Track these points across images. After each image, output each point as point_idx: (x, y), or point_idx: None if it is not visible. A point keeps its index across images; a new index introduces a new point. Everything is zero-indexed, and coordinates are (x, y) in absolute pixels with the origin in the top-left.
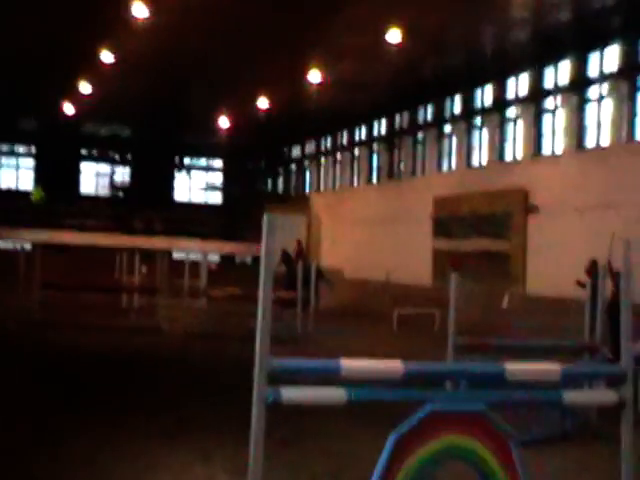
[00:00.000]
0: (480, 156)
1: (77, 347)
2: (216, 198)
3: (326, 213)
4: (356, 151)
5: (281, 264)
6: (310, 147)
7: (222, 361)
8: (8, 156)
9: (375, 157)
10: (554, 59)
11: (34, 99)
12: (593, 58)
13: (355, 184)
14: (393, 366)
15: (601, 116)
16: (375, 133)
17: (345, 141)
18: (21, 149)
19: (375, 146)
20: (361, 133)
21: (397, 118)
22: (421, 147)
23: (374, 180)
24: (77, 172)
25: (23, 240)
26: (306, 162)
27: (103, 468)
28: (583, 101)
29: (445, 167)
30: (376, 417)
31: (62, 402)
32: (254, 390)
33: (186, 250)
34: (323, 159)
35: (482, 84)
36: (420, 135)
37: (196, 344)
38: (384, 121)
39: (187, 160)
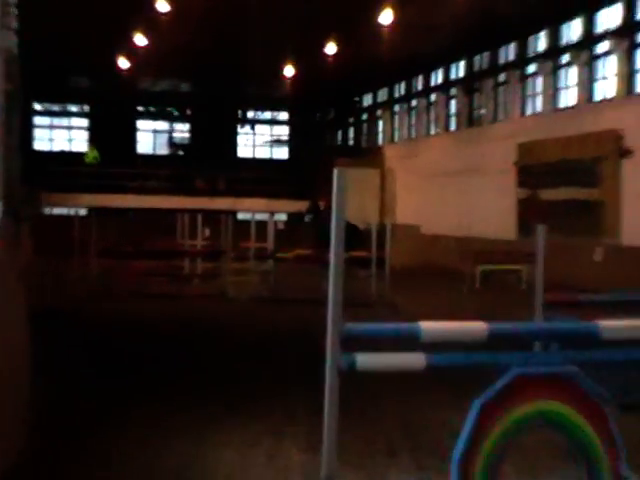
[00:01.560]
0: (568, 97)
1: (139, 316)
2: (282, 153)
3: (401, 166)
4: (432, 97)
5: (309, 214)
6: (383, 95)
7: (291, 327)
8: (60, 116)
9: (453, 103)
10: None
11: (86, 54)
12: None
13: (432, 133)
14: (476, 327)
15: None
16: (452, 77)
17: (420, 87)
18: (74, 108)
19: (453, 91)
20: (437, 77)
21: (476, 59)
22: (503, 90)
23: (452, 128)
24: (134, 130)
25: (78, 205)
26: (378, 111)
27: (163, 446)
28: None
29: (529, 111)
30: (458, 383)
31: (124, 372)
32: (327, 357)
33: (251, 210)
34: (397, 107)
35: (569, 18)
36: (502, 77)
37: (264, 310)
38: (462, 63)
39: (250, 113)
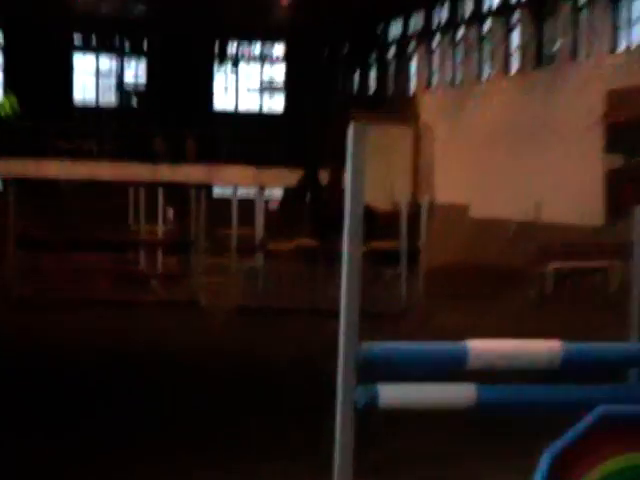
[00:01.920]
0: None
1: (70, 336)
2: (276, 104)
3: (442, 122)
4: (486, 25)
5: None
6: (417, 22)
7: (288, 350)
8: None
9: (516, 33)
10: None
11: None
12: None
13: (485, 76)
14: (545, 349)
15: None
16: None
17: (469, 11)
18: None
19: (515, 16)
20: None
21: None
22: (586, 15)
23: (513, 69)
24: (68, 70)
25: None
26: (411, 45)
27: None
28: None
29: (623, 45)
30: (517, 427)
31: (55, 427)
32: (338, 390)
33: (233, 183)
34: (437, 39)
35: None
36: None
37: (249, 325)
38: None
39: (231, 47)
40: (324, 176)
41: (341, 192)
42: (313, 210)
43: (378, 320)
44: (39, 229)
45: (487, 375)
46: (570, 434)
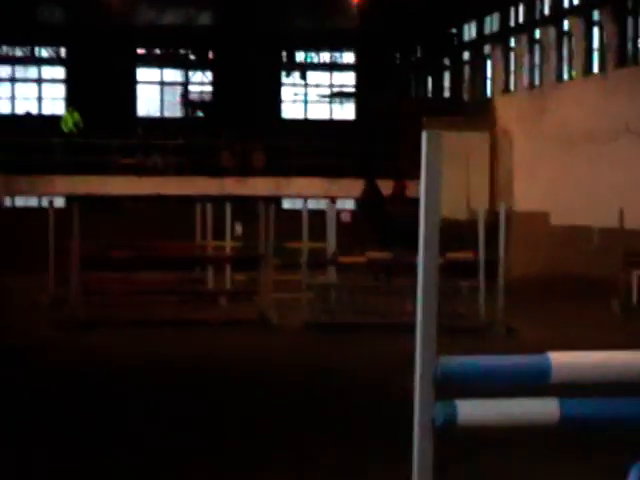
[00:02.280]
0: None
1: (142, 358)
2: (347, 112)
3: (520, 126)
4: (565, 24)
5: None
6: (493, 23)
7: (362, 367)
8: (26, 65)
9: (596, 32)
10: None
11: None
12: None
13: (565, 77)
14: (634, 361)
15: None
16: None
17: (548, 9)
18: (44, 53)
19: (595, 14)
20: None
21: None
22: None
23: (595, 69)
24: (132, 84)
25: (52, 193)
26: (487, 47)
27: None
28: None
29: None
30: (599, 441)
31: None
32: (415, 407)
33: (303, 196)
34: (513, 41)
35: None
36: None
37: (323, 343)
38: None
39: (300, 55)
40: (388, 186)
41: (405, 202)
42: (376, 221)
43: (456, 334)
44: (104, 248)
45: (568, 389)
46: None
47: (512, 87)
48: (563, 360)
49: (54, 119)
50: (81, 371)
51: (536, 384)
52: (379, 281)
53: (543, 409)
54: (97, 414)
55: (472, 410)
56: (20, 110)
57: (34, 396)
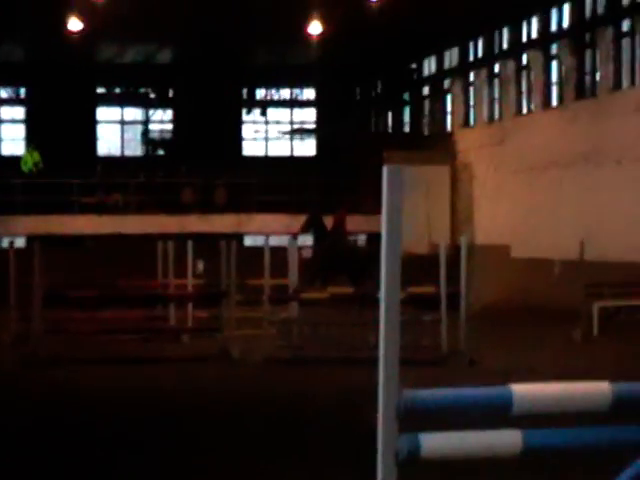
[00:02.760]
0: None
1: (107, 394)
2: (308, 148)
3: (480, 159)
4: (524, 58)
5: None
6: (452, 58)
7: (325, 401)
8: None
9: (554, 65)
10: None
11: (22, 12)
12: None
13: (525, 111)
14: (595, 391)
15: None
16: (553, 27)
17: (507, 43)
18: (3, 93)
19: (554, 48)
20: (531, 29)
21: (587, 0)
22: (628, 43)
23: (554, 102)
24: (92, 123)
25: (12, 233)
26: (447, 81)
27: None
28: None
29: None
30: (561, 472)
31: None
32: (378, 440)
33: (264, 232)
34: (472, 75)
35: None
36: (626, 24)
37: (285, 376)
38: (566, 7)
39: (260, 92)
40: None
41: (345, 235)
42: (320, 256)
43: (419, 367)
44: (65, 286)
45: (531, 419)
46: (623, 478)
47: (472, 120)
48: (525, 391)
49: (14, 159)
50: (45, 407)
51: (499, 415)
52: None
53: (506, 440)
54: (63, 448)
55: (435, 442)
56: None
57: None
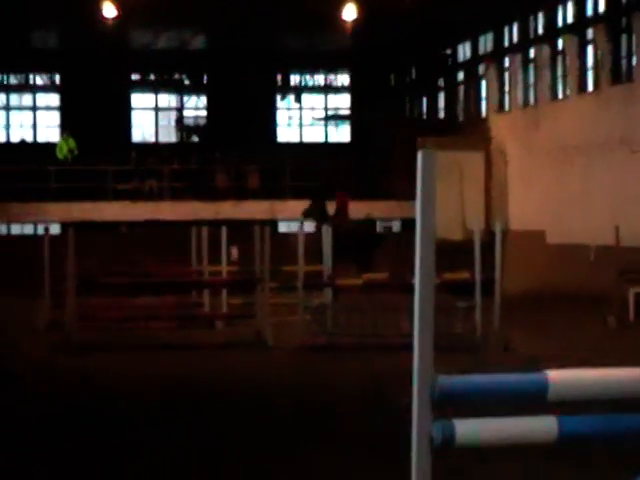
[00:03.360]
0: None
1: (139, 382)
2: (342, 134)
3: (515, 144)
4: (559, 43)
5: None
6: (486, 43)
7: (360, 387)
8: (19, 92)
9: (590, 50)
10: None
11: (55, 1)
12: None
13: (560, 96)
14: (631, 377)
15: None
16: (589, 12)
17: (542, 28)
18: (39, 80)
19: (590, 32)
20: (566, 14)
21: None
22: None
23: (590, 87)
24: (126, 109)
25: (47, 220)
26: (481, 67)
27: None
28: None
29: None
30: (600, 460)
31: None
32: (413, 426)
33: (299, 219)
34: (507, 60)
35: None
36: None
37: (318, 363)
38: None
39: (294, 78)
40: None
41: (347, 217)
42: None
43: (453, 353)
44: (99, 273)
45: (568, 406)
46: None
47: (507, 106)
48: (560, 378)
49: (49, 146)
50: (78, 394)
51: (534, 402)
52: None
53: (541, 427)
54: (96, 436)
55: (470, 429)
56: (15, 138)
57: (32, 418)
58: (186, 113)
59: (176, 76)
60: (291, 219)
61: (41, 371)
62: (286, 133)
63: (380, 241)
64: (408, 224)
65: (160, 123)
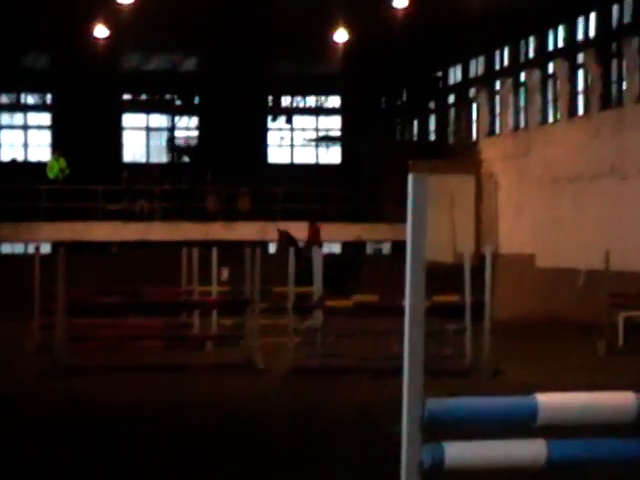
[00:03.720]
0: None
1: (129, 403)
2: (333, 156)
3: (505, 168)
4: (550, 67)
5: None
6: (478, 66)
7: (350, 410)
8: (11, 111)
9: (580, 74)
10: None
11: (48, 20)
12: None
13: (550, 119)
14: (620, 401)
15: None
16: (579, 36)
17: (532, 52)
18: (30, 99)
19: (580, 57)
20: (557, 38)
21: (614, 10)
22: None
23: (580, 111)
24: (117, 129)
25: (38, 239)
26: (472, 91)
27: None
28: None
29: None
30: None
31: None
32: (402, 449)
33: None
34: (498, 84)
35: None
36: None
37: (308, 386)
38: (593, 17)
39: (286, 100)
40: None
41: (320, 245)
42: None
43: (443, 377)
44: (90, 293)
45: (555, 430)
46: None
47: (497, 129)
48: (549, 401)
49: (40, 166)
50: (68, 417)
51: (523, 426)
52: None
53: (530, 451)
54: (84, 460)
55: (459, 452)
56: (6, 157)
57: (21, 442)
58: (177, 133)
59: (167, 97)
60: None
61: (30, 394)
62: (277, 154)
63: (358, 270)
64: (398, 246)
65: (151, 143)
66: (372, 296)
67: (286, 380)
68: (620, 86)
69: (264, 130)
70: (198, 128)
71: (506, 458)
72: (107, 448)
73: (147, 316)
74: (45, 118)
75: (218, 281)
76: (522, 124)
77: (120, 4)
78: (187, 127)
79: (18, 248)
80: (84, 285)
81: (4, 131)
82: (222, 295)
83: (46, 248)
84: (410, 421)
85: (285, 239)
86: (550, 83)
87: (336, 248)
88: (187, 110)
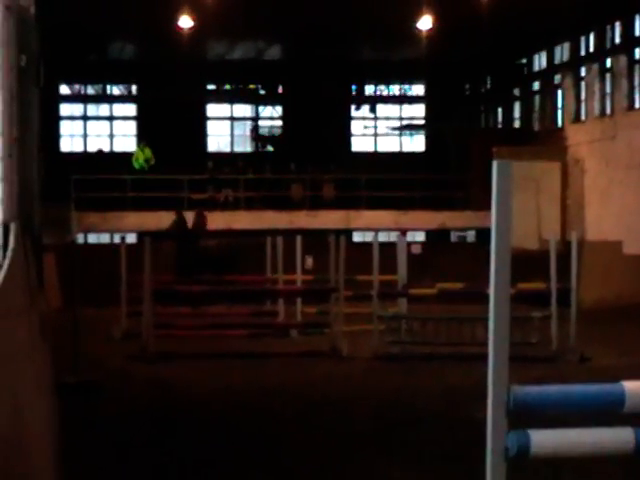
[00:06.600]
0: None
1: (214, 391)
2: (417, 144)
3: (592, 155)
4: (636, 52)
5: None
6: (563, 53)
7: (434, 397)
8: (97, 102)
9: None
10: None
11: (132, 12)
12: None
13: (637, 105)
14: None
15: None
16: None
17: (618, 37)
18: (116, 90)
19: None
20: None
21: None
22: None
23: None
24: (202, 119)
25: (124, 229)
26: (557, 76)
27: None
28: None
29: None
30: None
31: None
32: (488, 437)
33: (373, 228)
34: (584, 69)
35: None
36: None
37: (392, 373)
38: None
39: (369, 88)
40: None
41: (204, 234)
42: (184, 251)
43: (528, 364)
44: (175, 282)
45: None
46: None
47: (583, 115)
48: (637, 389)
49: (126, 156)
50: (155, 402)
51: (609, 413)
52: None
53: (617, 438)
54: (173, 444)
55: (545, 440)
56: (92, 148)
57: (111, 427)
58: (261, 123)
59: (251, 86)
60: (366, 229)
61: (118, 380)
62: (361, 143)
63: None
64: (483, 234)
65: (235, 133)
66: (456, 284)
67: (370, 366)
68: None
69: (348, 119)
70: (282, 117)
71: (593, 446)
72: (195, 431)
73: (232, 304)
74: (131, 109)
75: (303, 269)
76: (608, 110)
77: None
78: (271, 116)
79: (103, 237)
80: (169, 274)
81: (90, 122)
82: (306, 283)
83: (132, 238)
84: (495, 408)
85: (178, 221)
86: (637, 68)
87: (420, 236)
88: (271, 99)
